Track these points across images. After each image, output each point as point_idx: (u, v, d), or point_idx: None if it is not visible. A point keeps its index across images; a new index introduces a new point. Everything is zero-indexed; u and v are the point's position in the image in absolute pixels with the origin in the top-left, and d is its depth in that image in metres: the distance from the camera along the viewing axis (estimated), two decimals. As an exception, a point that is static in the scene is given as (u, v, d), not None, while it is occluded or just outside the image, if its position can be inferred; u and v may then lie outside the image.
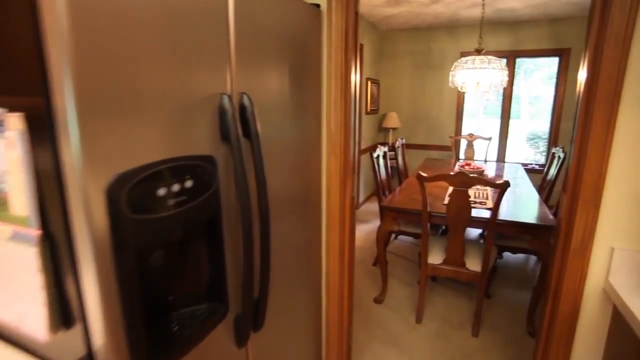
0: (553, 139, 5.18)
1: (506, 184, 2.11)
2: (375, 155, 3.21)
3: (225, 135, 0.93)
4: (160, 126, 0.76)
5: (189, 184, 0.82)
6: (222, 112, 0.92)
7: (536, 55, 5.07)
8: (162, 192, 0.76)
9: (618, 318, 1.25)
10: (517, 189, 3.35)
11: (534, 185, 3.68)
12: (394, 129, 5.74)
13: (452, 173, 2.20)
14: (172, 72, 0.78)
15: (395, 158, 4.07)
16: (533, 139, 7.15)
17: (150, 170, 0.74)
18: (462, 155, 5.42)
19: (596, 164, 1.20)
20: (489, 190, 3.10)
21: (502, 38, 5.07)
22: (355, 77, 1.58)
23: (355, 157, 1.70)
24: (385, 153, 3.58)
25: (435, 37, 5.44)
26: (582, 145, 1.24)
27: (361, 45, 4.79)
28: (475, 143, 4.96)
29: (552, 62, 5.24)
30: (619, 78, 1.13)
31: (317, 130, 1.50)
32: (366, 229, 4.48)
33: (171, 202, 0.78)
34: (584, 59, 1.31)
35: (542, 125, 6.18)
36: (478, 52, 3.27)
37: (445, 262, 2.51)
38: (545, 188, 3.69)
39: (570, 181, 1.31)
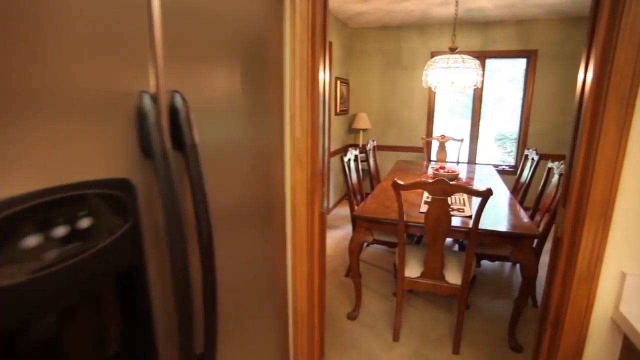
0: (522, 140, 5.17)
1: (489, 192, 1.95)
2: (346, 159, 3.00)
3: (146, 148, 0.68)
4: (34, 139, 0.50)
5: (84, 223, 0.56)
6: (140, 117, 0.67)
7: (505, 56, 5.04)
8: (31, 242, 0.49)
9: (630, 351, 1.09)
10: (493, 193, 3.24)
11: (508, 186, 3.60)
12: (364, 130, 5.57)
13: (430, 180, 2.02)
14: (60, 59, 0.52)
15: (367, 160, 3.88)
16: (501, 139, 7.19)
17: (12, 210, 0.47)
18: (433, 157, 5.32)
19: (606, 175, 1.03)
20: (467, 196, 2.96)
21: (472, 38, 5.00)
22: (324, 76, 1.35)
23: (325, 165, 1.47)
24: (356, 156, 3.38)
25: (405, 36, 5.31)
26: (589, 154, 1.07)
27: (330, 43, 4.58)
28: (447, 144, 4.87)
29: (517, 63, 5.24)
30: (635, 78, 0.96)
31: (279, 136, 1.26)
32: (337, 236, 4.28)
33: (50, 255, 0.52)
34: (586, 58, 1.14)
35: (509, 126, 6.21)
36: (452, 50, 3.12)
37: (423, 275, 2.33)
38: (519, 190, 3.61)
39: (573, 195, 1.13)
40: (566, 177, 1.23)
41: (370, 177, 3.88)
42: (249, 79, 1.05)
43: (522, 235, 2.17)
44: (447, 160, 4.85)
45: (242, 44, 0.99)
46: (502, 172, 4.91)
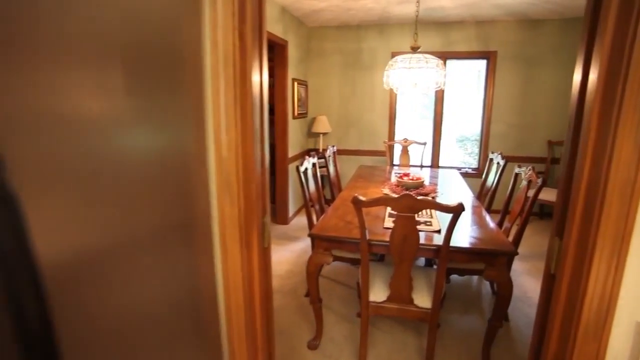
0: (484, 142, 5.09)
1: (460, 208, 1.72)
2: (302, 168, 2.70)
3: None
4: None
5: None
6: None
7: (465, 58, 4.95)
8: None
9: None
10: (459, 200, 3.06)
11: (472, 190, 3.45)
12: (324, 133, 5.31)
13: (394, 194, 1.76)
14: None
15: (327, 167, 3.61)
16: (462, 140, 7.19)
17: None
18: (397, 160, 5.15)
19: (620, 202, 0.80)
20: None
21: (432, 39, 4.87)
22: (260, 76, 1.05)
23: (265, 188, 1.17)
24: (314, 164, 3.09)
25: (365, 36, 5.10)
26: (596, 176, 0.83)
27: (286, 42, 4.27)
28: (410, 148, 4.70)
29: (478, 64, 5.18)
30: (659, 77, 0.73)
31: (199, 156, 0.94)
32: (297, 249, 3.98)
33: None
34: (585, 58, 0.92)
35: (471, 127, 6.17)
36: (414, 49, 2.91)
37: (389, 299, 2.08)
38: (485, 195, 3.47)
39: (574, 226, 0.90)
40: (561, 201, 1.01)
41: (331, 185, 3.62)
42: (144, 78, 0.73)
43: (496, 252, 1.97)
44: (410, 164, 4.68)
45: (133, 33, 0.68)
46: (465, 175, 4.80)
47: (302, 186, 2.69)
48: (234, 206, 0.99)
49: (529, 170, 2.58)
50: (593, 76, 0.87)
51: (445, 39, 4.88)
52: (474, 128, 5.86)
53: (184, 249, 0.94)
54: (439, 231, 2.22)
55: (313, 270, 2.22)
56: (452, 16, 4.55)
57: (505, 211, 2.87)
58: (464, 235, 2.18)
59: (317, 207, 2.97)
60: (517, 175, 2.83)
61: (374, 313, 2.13)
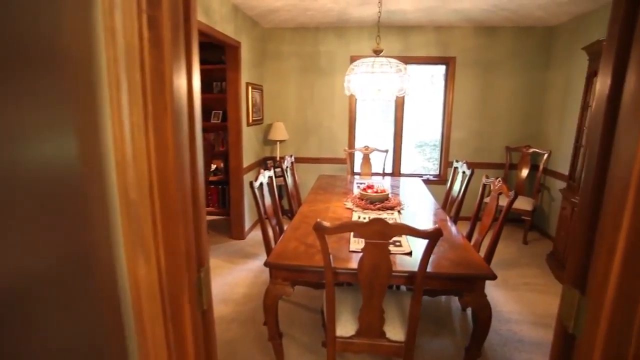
0: (445, 148, 5.03)
1: (438, 234, 1.51)
2: (257, 184, 2.41)
3: None
4: None
5: None
6: None
7: (425, 63, 4.86)
8: None
9: None
10: (426, 212, 2.89)
11: (437, 199, 3.32)
12: (281, 141, 5.02)
13: (364, 219, 1.53)
14: None
15: (284, 177, 3.32)
16: (421, 145, 7.16)
17: None
18: (357, 168, 4.96)
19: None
20: (399, 221, 2.55)
21: (392, 43, 4.74)
22: (186, 80, 0.76)
23: (202, 231, 0.88)
24: (270, 178, 2.81)
25: (323, 39, 4.88)
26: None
27: (238, 43, 3.96)
28: (372, 155, 4.53)
29: (437, 70, 5.12)
30: None
31: (93, 198, 0.64)
32: (254, 267, 3.66)
33: None
34: (614, 65, 0.71)
35: (430, 133, 6.12)
36: (376, 53, 2.71)
37: (358, 333, 1.83)
38: (452, 204, 3.34)
39: (613, 270, 0.69)
40: (582, 238, 0.80)
41: (289, 198, 3.34)
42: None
43: (475, 277, 1.78)
44: (372, 171, 4.50)
45: None
46: (427, 182, 4.70)
47: (257, 203, 2.39)
48: (150, 267, 0.69)
49: (499, 182, 2.45)
50: (630, 87, 0.66)
51: (405, 43, 4.77)
52: (433, 133, 5.82)
53: (73, 336, 0.63)
54: (410, 253, 2.00)
55: (271, 304, 1.94)
56: (412, 20, 4.44)
57: (474, 223, 2.73)
58: (436, 256, 1.98)
59: (274, 222, 2.68)
60: (485, 185, 2.70)
61: (341, 350, 1.88)
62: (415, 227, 1.52)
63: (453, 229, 2.50)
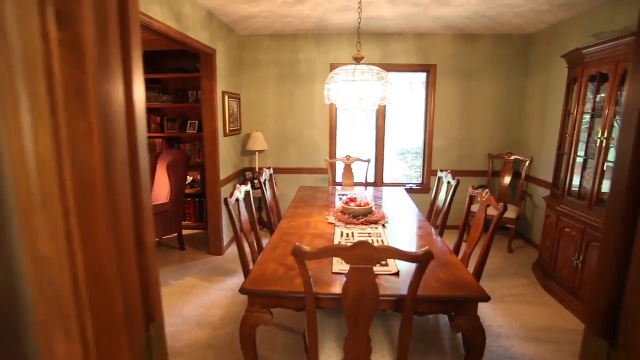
0: (427, 156, 4.96)
1: (428, 257, 1.37)
2: (232, 201, 2.24)
3: None
4: None
5: None
6: None
7: (406, 70, 4.80)
8: None
9: None
10: (411, 226, 2.78)
11: (421, 210, 3.21)
12: (260, 151, 4.86)
13: (348, 235, 1.39)
14: None
15: (262, 189, 3.16)
16: (403, 153, 7.11)
17: None
18: (339, 177, 4.84)
19: None
20: (384, 236, 2.43)
21: (372, 51, 4.65)
22: (119, 95, 0.60)
23: (155, 281, 0.72)
24: (247, 193, 2.64)
25: (302, 46, 4.76)
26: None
27: (214, 50, 3.79)
28: (354, 165, 4.41)
29: (409, 77, 5.07)
30: None
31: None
32: (233, 285, 3.46)
33: None
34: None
35: (412, 141, 6.07)
36: (357, 60, 2.60)
37: (343, 364, 1.68)
38: (437, 215, 3.23)
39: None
40: (611, 271, 0.67)
41: (268, 213, 3.17)
42: None
43: (468, 299, 1.66)
44: (354, 182, 4.38)
45: None
46: (410, 192, 4.61)
47: (233, 222, 2.22)
48: (72, 343, 0.53)
49: (486, 193, 2.35)
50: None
51: (385, 51, 4.69)
52: (415, 141, 5.77)
53: None
54: (397, 274, 1.87)
55: (248, 335, 1.77)
56: (392, 27, 4.37)
57: (462, 235, 2.63)
58: (425, 275, 1.84)
59: (251, 239, 2.52)
60: (472, 197, 2.60)
61: (325, 382, 1.72)
62: (404, 251, 1.38)
63: (440, 243, 2.38)
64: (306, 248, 1.39)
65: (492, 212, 2.20)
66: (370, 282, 1.44)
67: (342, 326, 1.86)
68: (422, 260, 1.38)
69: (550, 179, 4.01)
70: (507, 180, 4.64)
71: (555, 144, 3.86)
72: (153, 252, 0.72)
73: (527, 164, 4.41)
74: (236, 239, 2.26)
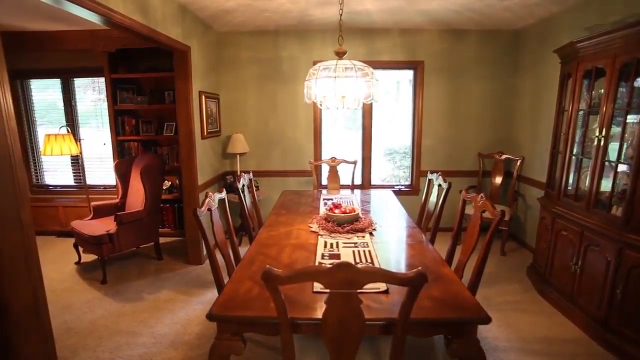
0: (416, 156, 4.79)
1: (421, 280, 1.18)
2: (202, 211, 2.02)
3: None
4: None
5: None
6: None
7: (392, 67, 4.62)
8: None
9: None
10: (400, 233, 2.58)
11: (410, 213, 3.03)
12: (241, 154, 4.62)
13: (329, 264, 1.21)
14: None
15: (239, 197, 2.93)
16: (390, 153, 6.93)
17: None
18: (324, 180, 4.64)
19: None
20: (372, 246, 2.23)
21: (357, 47, 4.46)
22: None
23: None
24: (222, 201, 2.42)
25: (284, 44, 4.54)
26: None
27: (188, 47, 3.55)
28: (339, 167, 4.21)
29: (395, 74, 4.89)
30: None
31: None
32: (211, 299, 3.21)
33: None
34: None
35: (399, 140, 5.89)
36: (339, 55, 2.40)
37: (326, 398, 1.47)
38: (427, 220, 3.05)
39: None
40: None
41: (247, 221, 2.95)
42: None
43: (466, 321, 1.47)
44: (340, 184, 4.18)
45: None
46: (399, 193, 4.44)
47: (204, 235, 2.00)
48: None
49: (481, 197, 2.18)
50: None
51: (370, 47, 4.51)
52: (402, 141, 5.59)
53: None
54: (386, 291, 1.67)
55: (217, 366, 1.54)
56: (377, 22, 4.19)
57: (455, 242, 2.44)
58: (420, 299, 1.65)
59: (227, 250, 2.30)
60: (464, 201, 2.42)
61: (306, 419, 1.51)
62: (393, 272, 1.18)
63: (432, 252, 2.19)
64: (278, 271, 1.18)
65: (486, 215, 2.02)
66: (355, 308, 1.24)
67: (323, 354, 1.66)
68: (414, 283, 1.18)
69: (543, 179, 3.87)
70: (498, 180, 4.49)
71: (547, 142, 3.71)
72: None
73: (518, 163, 4.27)
74: (208, 254, 2.04)
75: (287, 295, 1.41)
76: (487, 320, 1.45)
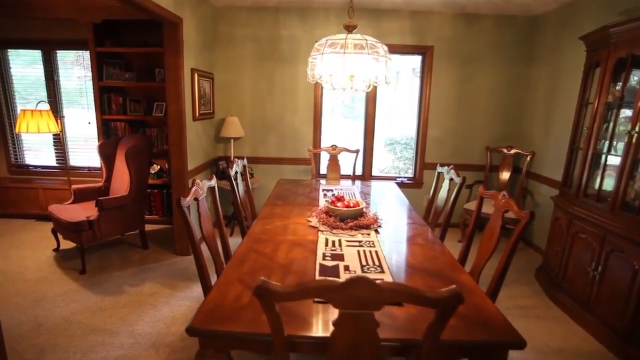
0: (421, 147, 4.53)
1: (456, 301, 0.92)
2: (186, 202, 1.75)
3: None
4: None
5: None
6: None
7: (400, 52, 4.32)
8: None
9: None
10: (409, 232, 2.34)
11: (415, 207, 2.80)
12: (236, 138, 4.34)
13: (339, 280, 0.95)
14: None
15: (232, 185, 2.66)
16: (391, 144, 6.67)
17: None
18: (323, 169, 4.38)
19: None
20: (378, 245, 1.98)
21: (364, 28, 4.10)
22: None
23: None
24: (212, 189, 2.16)
25: (285, 22, 4.23)
26: None
27: (180, 19, 3.24)
28: (340, 156, 3.95)
29: (412, 60, 4.61)
30: None
31: None
32: (198, 294, 2.98)
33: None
34: None
35: (399, 130, 5.62)
36: (349, 29, 2.12)
37: None
38: (436, 216, 2.81)
39: None
40: None
41: (239, 212, 2.68)
42: None
43: (495, 345, 1.23)
44: (340, 174, 3.92)
45: None
46: (402, 186, 4.19)
47: (189, 229, 1.74)
48: None
49: (503, 196, 1.93)
50: None
51: (377, 29, 4.20)
52: (403, 131, 5.33)
53: None
54: (400, 303, 1.42)
55: (198, 388, 1.30)
56: (386, 2, 3.88)
57: (469, 243, 2.21)
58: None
59: (216, 246, 2.05)
60: (482, 198, 2.18)
61: None
62: (421, 290, 0.93)
63: (447, 255, 1.96)
64: (275, 285, 0.93)
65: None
66: (369, 332, 0.99)
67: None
68: (447, 305, 0.93)
69: (555, 176, 3.65)
70: (506, 175, 4.26)
71: (562, 136, 3.49)
72: None
73: (528, 158, 4.03)
74: (193, 250, 1.78)
75: (282, 306, 1.16)
76: (522, 344, 1.21)
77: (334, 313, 1.30)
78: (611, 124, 2.61)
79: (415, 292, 0.93)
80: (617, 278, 2.38)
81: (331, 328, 1.01)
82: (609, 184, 2.62)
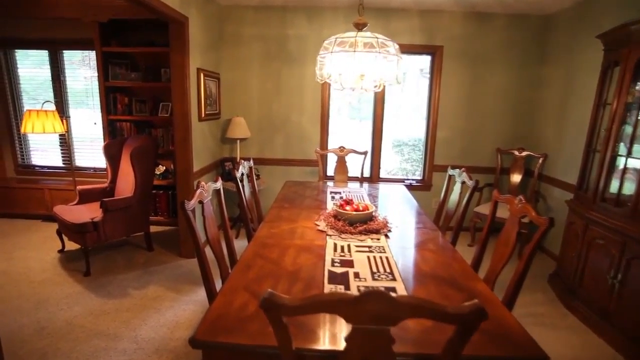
0: (430, 149, 4.45)
1: (478, 317, 0.85)
2: (190, 205, 1.69)
3: None
4: None
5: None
6: None
7: (409, 52, 4.24)
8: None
9: None
10: (420, 237, 2.26)
11: (425, 211, 2.71)
12: (242, 139, 4.28)
13: (352, 294, 0.90)
14: None
15: (237, 187, 2.60)
16: (398, 145, 6.58)
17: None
18: (330, 171, 4.31)
19: None
20: (389, 251, 1.91)
21: (372, 28, 4.04)
22: None
23: None
24: (217, 192, 2.10)
25: (292, 21, 4.17)
26: None
27: (185, 18, 3.19)
28: (348, 158, 3.88)
29: (421, 60, 4.53)
30: None
31: None
32: (203, 298, 2.92)
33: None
34: None
35: (407, 131, 5.53)
36: (358, 27, 2.05)
37: None
38: (447, 219, 2.72)
39: None
40: None
41: (245, 214, 2.62)
42: None
43: (517, 363, 1.16)
44: (348, 176, 3.85)
45: None
46: (410, 188, 4.11)
47: (193, 233, 1.68)
48: None
49: (520, 201, 1.85)
50: None
51: (386, 29, 4.13)
52: (411, 132, 5.24)
53: None
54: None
55: (200, 402, 1.23)
56: (395, 1, 3.81)
57: (483, 249, 2.13)
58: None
59: (221, 250, 1.98)
60: (497, 203, 2.10)
61: None
62: (441, 305, 0.86)
63: (459, 259, 1.88)
64: (283, 298, 0.86)
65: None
66: (384, 348, 0.92)
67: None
68: (469, 321, 0.86)
69: (568, 179, 3.55)
70: (517, 178, 4.16)
71: (577, 138, 3.39)
72: None
73: (540, 161, 3.93)
74: (197, 255, 1.71)
75: (290, 317, 1.09)
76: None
77: (345, 325, 1.24)
78: (631, 126, 2.51)
79: (435, 307, 0.86)
80: (639, 287, 2.28)
81: (343, 343, 0.94)
82: (628, 188, 2.52)
